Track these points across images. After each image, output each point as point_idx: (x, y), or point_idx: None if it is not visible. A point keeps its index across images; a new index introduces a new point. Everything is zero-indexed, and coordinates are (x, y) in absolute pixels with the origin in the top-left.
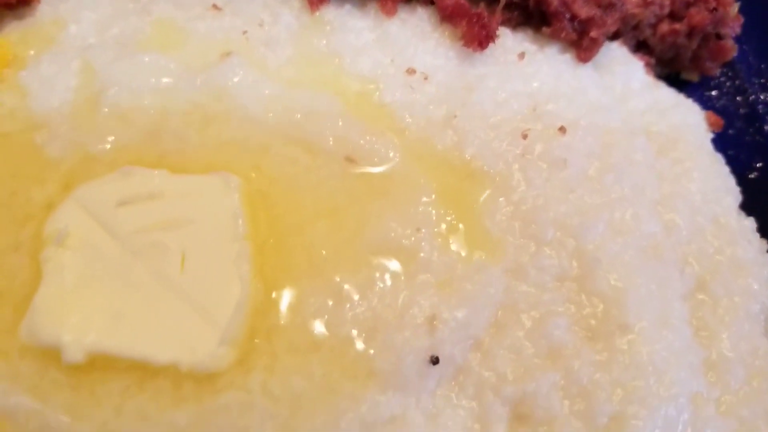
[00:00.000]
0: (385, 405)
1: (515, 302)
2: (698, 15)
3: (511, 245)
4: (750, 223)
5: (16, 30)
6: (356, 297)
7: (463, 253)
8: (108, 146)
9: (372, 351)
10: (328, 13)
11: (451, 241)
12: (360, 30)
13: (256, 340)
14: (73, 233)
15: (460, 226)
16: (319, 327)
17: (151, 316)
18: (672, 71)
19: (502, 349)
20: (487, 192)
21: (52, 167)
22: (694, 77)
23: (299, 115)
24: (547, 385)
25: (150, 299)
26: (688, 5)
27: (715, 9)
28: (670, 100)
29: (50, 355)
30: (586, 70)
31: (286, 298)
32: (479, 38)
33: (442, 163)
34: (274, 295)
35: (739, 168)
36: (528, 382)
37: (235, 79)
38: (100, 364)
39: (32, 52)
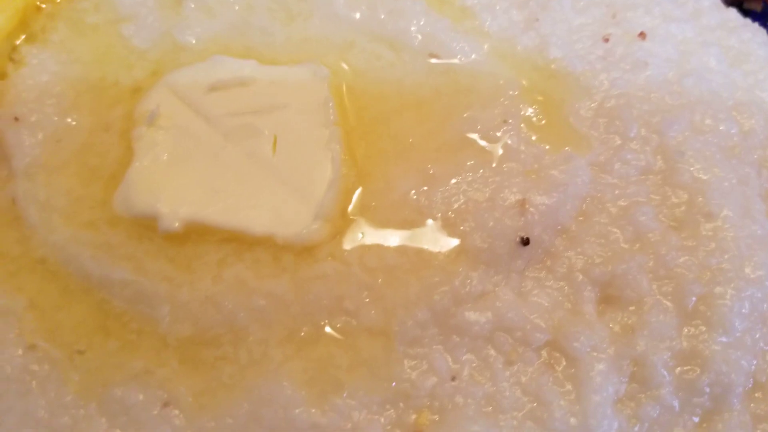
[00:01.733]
0: (477, 280)
1: (601, 193)
2: None
3: (596, 140)
4: None
5: None
6: (446, 181)
7: (549, 146)
8: (194, 39)
9: (464, 229)
10: None
11: (537, 134)
12: None
13: (353, 217)
14: (164, 114)
15: (544, 121)
16: (411, 207)
17: (245, 192)
18: (735, 0)
19: (590, 235)
20: (571, 90)
21: (139, 55)
22: (757, 6)
23: (383, 15)
24: (636, 267)
25: (243, 177)
26: None
27: None
28: (738, 21)
29: (145, 225)
30: None
31: (377, 179)
32: None
33: (524, 62)
34: (365, 176)
35: None
36: (616, 264)
37: None
38: (196, 236)
39: None
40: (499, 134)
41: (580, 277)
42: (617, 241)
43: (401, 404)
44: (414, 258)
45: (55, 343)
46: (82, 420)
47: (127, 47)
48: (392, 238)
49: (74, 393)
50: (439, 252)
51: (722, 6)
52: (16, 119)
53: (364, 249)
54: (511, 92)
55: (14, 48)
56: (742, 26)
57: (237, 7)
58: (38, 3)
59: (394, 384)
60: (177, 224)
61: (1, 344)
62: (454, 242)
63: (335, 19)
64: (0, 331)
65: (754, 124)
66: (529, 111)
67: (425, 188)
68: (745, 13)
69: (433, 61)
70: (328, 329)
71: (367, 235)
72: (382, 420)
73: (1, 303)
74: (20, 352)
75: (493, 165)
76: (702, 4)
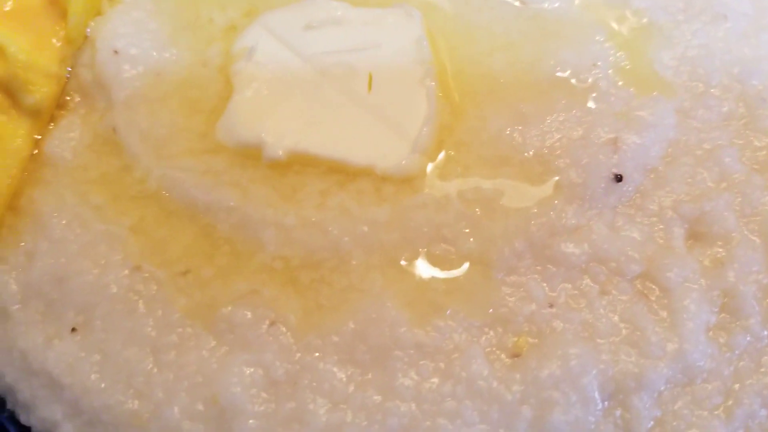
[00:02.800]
0: (572, 214)
1: (686, 136)
2: None
3: (680, 87)
4: None
5: None
6: (539, 119)
7: (635, 90)
8: None
9: (558, 165)
10: None
11: (623, 79)
12: None
13: (450, 152)
14: (261, 51)
15: (630, 67)
16: (505, 144)
17: (344, 126)
18: None
19: (677, 175)
20: (655, 39)
21: None
22: None
23: None
24: (723, 205)
25: (341, 112)
26: None
27: None
28: None
29: (248, 154)
30: None
31: (471, 117)
32: None
33: (609, 11)
34: (459, 114)
35: None
36: (704, 202)
37: None
38: (299, 166)
39: None
40: (588, 77)
41: (670, 213)
42: (704, 180)
43: (500, 328)
44: (510, 191)
45: (161, 264)
46: (190, 338)
47: None
48: (488, 172)
49: (181, 312)
50: (535, 186)
51: None
52: (116, 52)
53: (462, 182)
54: (598, 38)
55: None
56: None
57: None
58: None
59: (491, 310)
60: (281, 153)
61: (107, 266)
62: (549, 177)
63: None
64: (105, 253)
65: None
66: (616, 57)
67: (519, 127)
68: None
69: (520, 5)
70: (427, 256)
71: (464, 169)
72: (482, 341)
73: (106, 227)
74: (126, 272)
75: (585, 105)
76: None
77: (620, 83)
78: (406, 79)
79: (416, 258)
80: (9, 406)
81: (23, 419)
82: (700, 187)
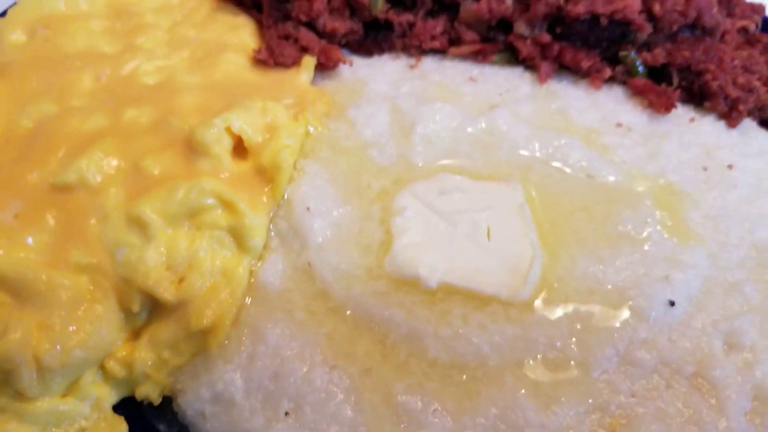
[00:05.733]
0: (642, 330)
1: (716, 274)
2: None
3: (709, 238)
4: None
5: (328, 85)
6: (613, 260)
7: (677, 240)
8: (421, 161)
9: (630, 295)
10: (553, 84)
11: (668, 232)
12: (577, 97)
13: (554, 284)
14: (410, 210)
15: (670, 223)
16: (591, 279)
17: (475, 265)
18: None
19: (713, 301)
20: (686, 202)
21: (383, 170)
22: None
23: (551, 149)
24: (747, 322)
25: (471, 255)
26: None
27: None
28: None
29: (407, 283)
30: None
31: (564, 259)
32: (665, 105)
33: (653, 183)
34: (555, 257)
35: None
36: (733, 321)
37: (501, 122)
38: (443, 293)
39: (347, 99)
40: (643, 231)
41: (710, 329)
42: (731, 306)
43: (599, 413)
44: (600, 313)
45: (349, 364)
46: (377, 418)
47: (374, 165)
48: (582, 298)
49: (368, 399)
50: (616, 309)
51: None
52: (308, 209)
53: (564, 306)
54: (647, 201)
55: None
56: None
57: (448, 141)
58: (309, 128)
59: (590, 400)
60: (434, 284)
61: (312, 365)
62: (625, 303)
63: (515, 149)
64: (310, 356)
65: None
66: (661, 215)
67: (600, 266)
68: None
69: (587, 178)
70: (543, 359)
71: (564, 296)
72: (587, 422)
73: (308, 336)
74: (327, 369)
75: (643, 251)
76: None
77: (665, 235)
78: (515, 232)
79: (536, 361)
80: None
81: None
82: (730, 309)
